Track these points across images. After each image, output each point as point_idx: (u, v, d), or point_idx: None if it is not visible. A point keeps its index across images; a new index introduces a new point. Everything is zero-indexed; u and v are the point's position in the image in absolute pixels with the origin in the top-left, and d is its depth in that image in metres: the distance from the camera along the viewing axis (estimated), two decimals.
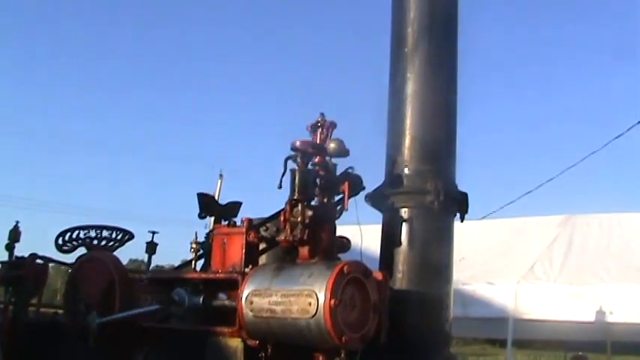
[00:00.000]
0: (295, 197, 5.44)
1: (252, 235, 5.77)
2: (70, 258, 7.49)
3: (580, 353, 16.30)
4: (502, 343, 11.97)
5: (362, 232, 6.09)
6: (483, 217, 14.98)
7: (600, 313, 10.29)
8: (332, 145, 5.60)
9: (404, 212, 5.88)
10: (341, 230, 5.89)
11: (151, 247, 7.74)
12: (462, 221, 6.17)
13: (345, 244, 5.91)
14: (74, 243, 7.50)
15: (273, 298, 5.18)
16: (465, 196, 6.12)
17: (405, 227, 5.86)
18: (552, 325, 11.15)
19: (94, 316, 6.45)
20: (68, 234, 7.45)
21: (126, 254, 7.58)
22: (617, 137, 14.71)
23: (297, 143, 5.55)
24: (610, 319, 10.32)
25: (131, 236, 7.79)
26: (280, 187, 5.57)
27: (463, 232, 11.39)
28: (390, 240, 5.95)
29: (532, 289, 10.92)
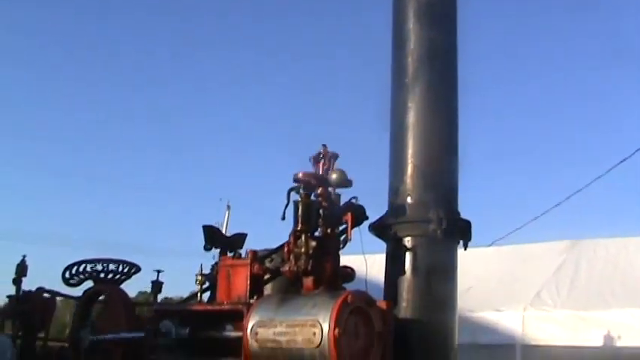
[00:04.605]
0: (299, 228, 5.48)
1: (256, 267, 5.81)
2: (77, 291, 7.53)
3: None
4: None
5: (367, 261, 6.11)
6: (490, 245, 14.98)
7: (608, 337, 10.23)
8: (334, 176, 5.66)
9: (407, 241, 5.91)
10: (346, 260, 5.93)
11: (157, 286, 7.76)
12: (465, 249, 6.18)
13: (349, 273, 5.94)
14: (81, 276, 7.52)
15: (278, 329, 5.20)
16: (467, 223, 6.14)
17: (408, 256, 5.88)
18: (560, 351, 11.07)
19: (87, 331, 6.63)
20: (75, 267, 7.48)
21: (135, 287, 7.60)
22: (622, 161, 14.73)
23: (300, 175, 5.60)
24: (618, 343, 10.24)
25: (138, 269, 7.82)
26: (283, 218, 5.62)
27: (470, 260, 11.48)
28: (394, 269, 5.97)
29: (539, 316, 10.87)
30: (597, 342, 10.41)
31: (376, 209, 6.21)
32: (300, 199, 5.53)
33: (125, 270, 7.72)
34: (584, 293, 11.36)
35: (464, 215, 6.23)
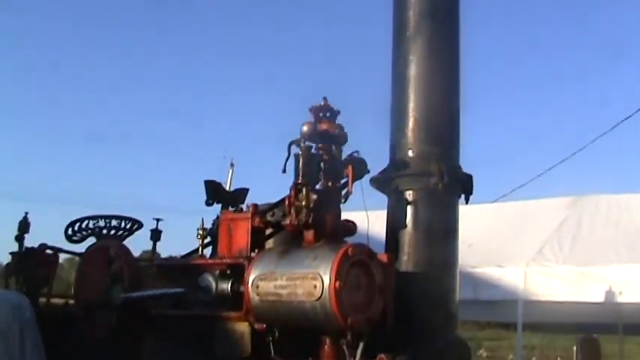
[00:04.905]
0: (299, 182, 5.48)
1: (257, 220, 5.81)
2: (80, 248, 7.55)
3: (594, 335, 16.26)
4: (516, 327, 11.97)
5: (369, 217, 6.11)
6: (495, 201, 15.04)
7: (610, 293, 10.27)
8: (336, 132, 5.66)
9: (408, 195, 5.89)
10: (348, 216, 5.93)
11: (156, 235, 7.77)
12: (466, 203, 6.17)
13: (350, 227, 5.94)
14: (83, 233, 7.53)
15: (279, 282, 5.21)
16: (469, 177, 6.12)
17: (409, 210, 5.87)
18: (562, 307, 11.15)
19: (118, 289, 6.46)
20: (77, 224, 7.48)
21: (138, 246, 7.60)
22: (626, 118, 14.78)
23: (304, 128, 5.59)
24: (619, 299, 10.30)
25: (140, 225, 7.82)
26: (284, 171, 5.62)
27: (473, 216, 11.50)
28: (395, 223, 5.97)
29: (541, 271, 10.91)
30: (598, 298, 10.47)
31: (378, 163, 6.20)
32: (300, 153, 5.52)
33: (127, 226, 7.73)
34: (586, 249, 11.39)
35: (469, 172, 6.20)
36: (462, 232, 6.18)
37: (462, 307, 6.44)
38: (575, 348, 17.71)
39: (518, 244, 12.01)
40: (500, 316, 14.84)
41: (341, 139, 5.71)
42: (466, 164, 6.23)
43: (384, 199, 6.21)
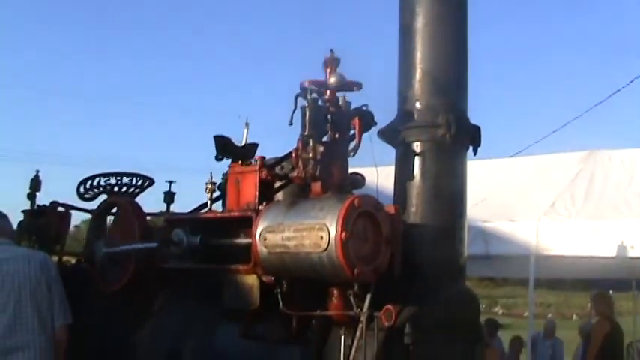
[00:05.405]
0: (306, 134, 5.47)
1: (264, 173, 5.83)
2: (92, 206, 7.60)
3: (611, 291, 16.32)
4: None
5: (380, 173, 6.11)
6: (509, 157, 15.02)
7: (621, 247, 10.22)
8: (332, 80, 5.61)
9: (416, 146, 5.87)
10: (358, 171, 5.95)
11: (169, 197, 7.81)
12: (475, 154, 6.14)
13: (359, 180, 5.96)
14: (95, 191, 7.59)
15: (286, 234, 5.22)
16: (477, 129, 6.09)
17: (417, 161, 5.85)
18: (574, 261, 11.12)
19: (101, 243, 6.81)
20: (89, 182, 7.54)
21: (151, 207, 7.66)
22: None
23: (305, 82, 5.58)
24: (631, 253, 10.25)
25: (151, 182, 7.87)
26: (291, 123, 5.61)
27: (485, 171, 11.47)
28: (402, 174, 5.95)
29: (553, 226, 10.86)
30: (610, 252, 10.43)
31: (386, 116, 6.19)
32: (307, 105, 5.50)
33: (139, 183, 7.78)
34: (598, 204, 11.34)
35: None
36: (474, 187, 6.16)
37: (474, 262, 6.45)
38: (589, 305, 17.74)
39: (531, 199, 11.95)
40: (512, 272, 14.84)
41: (346, 86, 5.67)
42: (486, 120, 6.21)
43: (394, 154, 6.20)
